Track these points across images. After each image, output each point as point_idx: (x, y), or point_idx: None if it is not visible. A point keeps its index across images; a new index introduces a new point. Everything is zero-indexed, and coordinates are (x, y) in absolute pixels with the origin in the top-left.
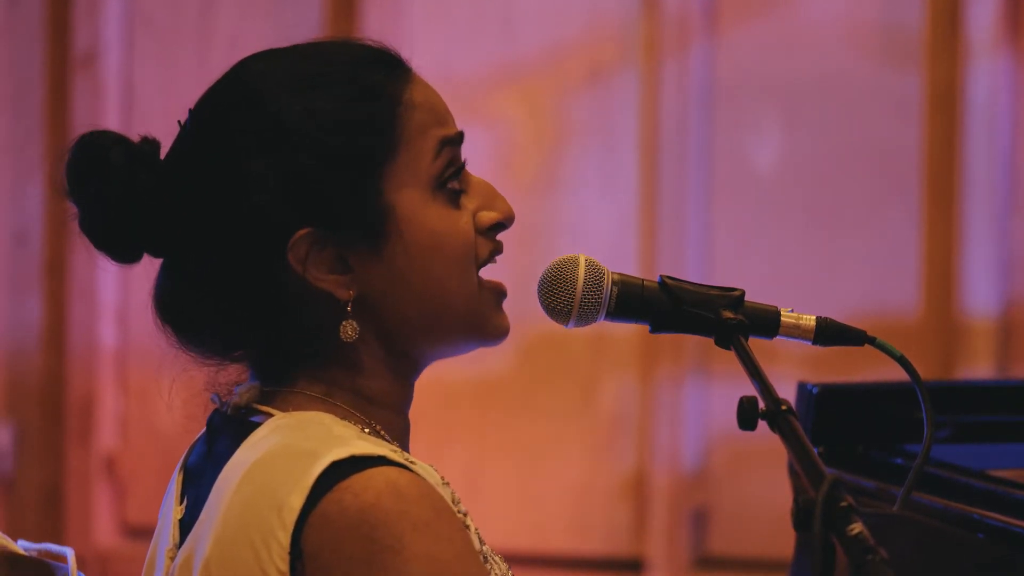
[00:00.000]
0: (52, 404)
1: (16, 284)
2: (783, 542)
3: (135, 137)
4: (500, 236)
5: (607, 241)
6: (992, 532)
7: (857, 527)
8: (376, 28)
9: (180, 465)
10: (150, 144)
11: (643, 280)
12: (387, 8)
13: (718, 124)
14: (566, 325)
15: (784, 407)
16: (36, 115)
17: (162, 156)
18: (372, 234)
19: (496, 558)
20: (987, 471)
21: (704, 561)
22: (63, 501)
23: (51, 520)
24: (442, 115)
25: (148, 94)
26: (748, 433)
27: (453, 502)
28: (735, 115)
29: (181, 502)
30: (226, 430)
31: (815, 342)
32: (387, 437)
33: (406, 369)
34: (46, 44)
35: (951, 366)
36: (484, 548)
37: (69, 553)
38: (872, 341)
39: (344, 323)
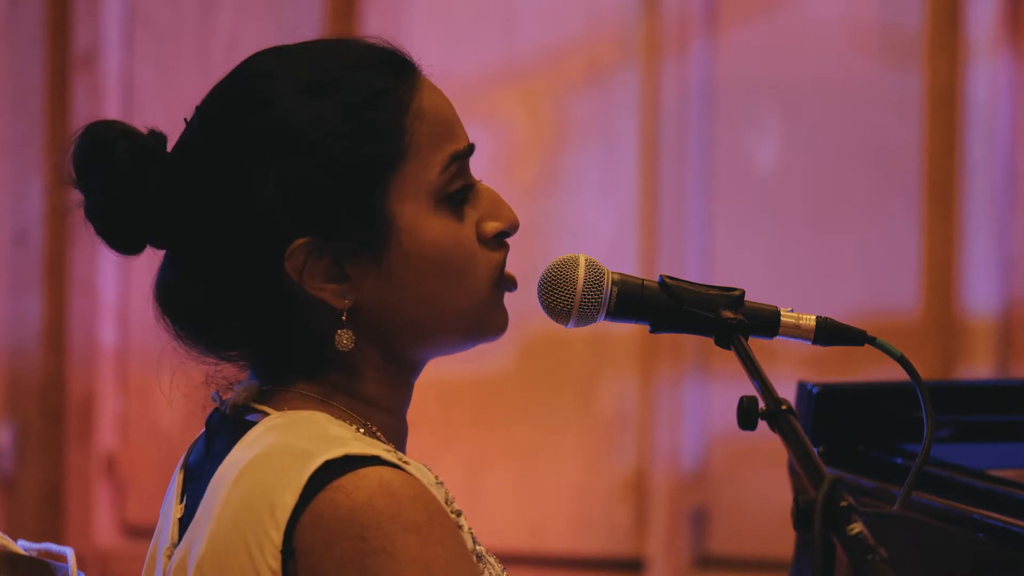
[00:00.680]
0: (52, 404)
1: (16, 284)
2: (783, 542)
3: (149, 128)
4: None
5: (607, 241)
6: (992, 532)
7: (857, 527)
8: (376, 28)
9: (181, 464)
10: (156, 137)
11: (643, 280)
12: (387, 8)
13: (718, 124)
14: (566, 325)
15: (784, 407)
16: (36, 115)
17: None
18: (372, 245)
19: (490, 558)
20: (987, 471)
21: (704, 561)
22: (63, 501)
23: (51, 520)
24: (451, 125)
25: (148, 94)
26: (748, 433)
27: (446, 502)
28: (735, 115)
29: (181, 501)
30: (223, 429)
31: (815, 342)
32: (383, 438)
33: (404, 373)
34: (46, 44)
35: (951, 366)
36: (478, 548)
37: (69, 553)
38: (872, 341)
39: (340, 332)
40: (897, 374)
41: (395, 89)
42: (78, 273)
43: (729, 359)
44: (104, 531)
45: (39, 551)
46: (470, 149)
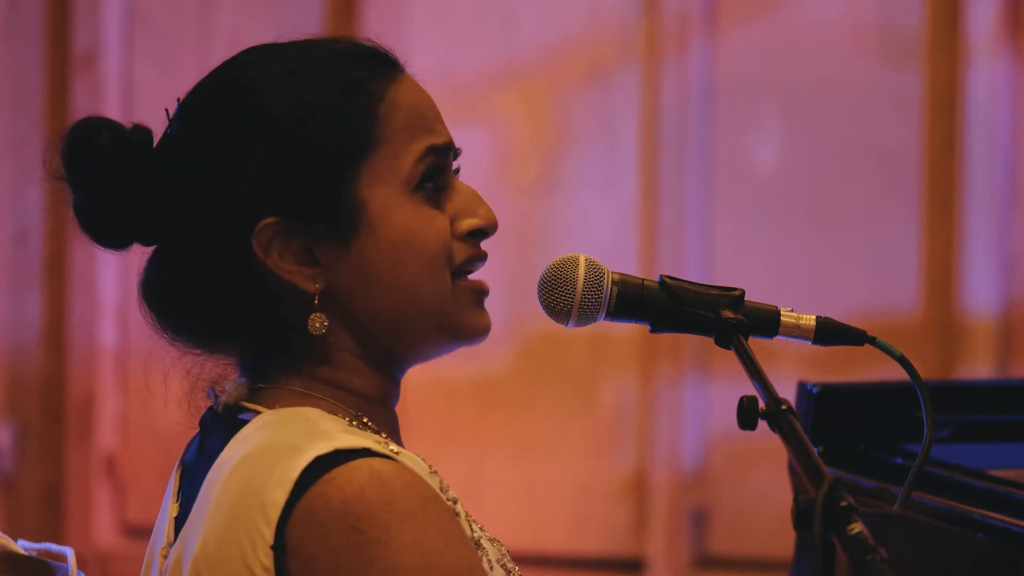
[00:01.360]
0: (52, 404)
1: (16, 284)
2: (783, 542)
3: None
4: (490, 242)
5: (607, 241)
6: (992, 532)
7: (857, 527)
8: (376, 28)
9: (178, 462)
10: (141, 132)
11: (643, 280)
12: (387, 8)
13: (718, 124)
14: (566, 325)
15: (784, 407)
16: (36, 115)
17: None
18: (341, 227)
19: (491, 543)
20: (987, 471)
21: (704, 561)
22: (63, 501)
23: (51, 520)
24: (430, 120)
25: (148, 94)
26: (748, 433)
27: (441, 489)
28: (735, 115)
29: (177, 500)
30: (216, 428)
31: (815, 342)
32: (375, 428)
33: (383, 364)
34: (46, 44)
35: (951, 366)
36: (476, 534)
37: (69, 553)
38: (872, 341)
39: (312, 316)
40: (897, 374)
41: (371, 79)
42: (78, 273)
43: (729, 359)
44: (104, 531)
45: (39, 551)
46: (449, 145)
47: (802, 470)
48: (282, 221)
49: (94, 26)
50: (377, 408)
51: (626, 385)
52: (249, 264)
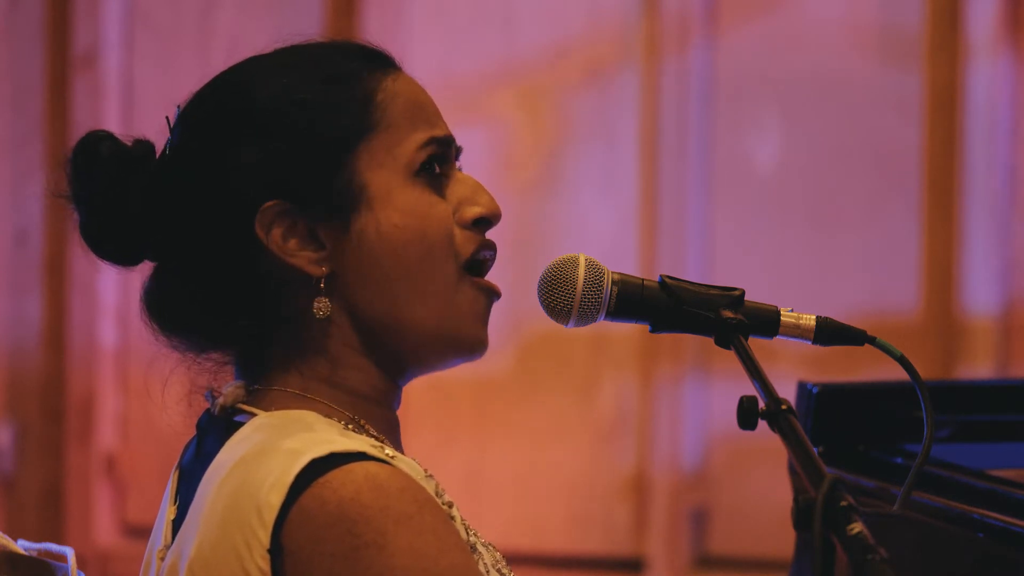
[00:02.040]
0: (52, 404)
1: (16, 284)
2: (783, 542)
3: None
4: (494, 237)
5: (607, 241)
6: (992, 532)
7: (857, 527)
8: (376, 28)
9: (176, 465)
10: (141, 145)
11: (643, 280)
12: (387, 8)
13: (718, 124)
14: (566, 325)
15: (784, 406)
16: (36, 115)
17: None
18: (341, 208)
19: (486, 548)
20: (987, 471)
21: (704, 561)
22: (63, 501)
23: (51, 520)
24: (430, 114)
25: (148, 94)
26: (748, 433)
27: (437, 494)
28: (735, 115)
29: (174, 502)
30: (213, 430)
31: (815, 342)
32: (372, 431)
33: (384, 362)
34: (46, 44)
35: (951, 366)
36: (471, 539)
37: (69, 553)
38: (872, 341)
39: (317, 300)
40: (897, 374)
41: (367, 70)
42: (78, 273)
43: (729, 359)
44: (104, 531)
45: (39, 551)
46: (451, 139)
47: (802, 470)
48: (283, 203)
49: (94, 26)
50: (376, 409)
51: (626, 385)
52: (253, 262)
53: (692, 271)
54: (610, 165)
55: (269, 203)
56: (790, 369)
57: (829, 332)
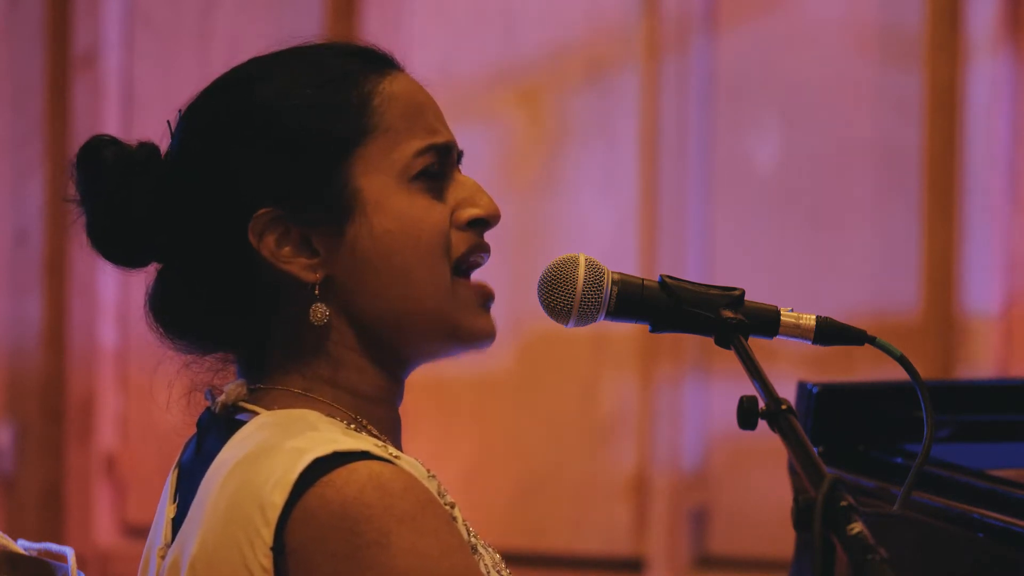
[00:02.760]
0: (52, 404)
1: (16, 284)
2: (783, 542)
3: (138, 138)
4: (489, 242)
5: (607, 241)
6: (992, 532)
7: (857, 527)
8: (376, 28)
9: (175, 463)
10: (145, 148)
11: (643, 280)
12: (387, 8)
13: (718, 123)
14: (566, 325)
15: (784, 406)
16: (36, 115)
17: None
18: (335, 214)
19: (486, 549)
20: (987, 471)
21: (704, 561)
22: (63, 501)
23: (51, 520)
24: (430, 119)
25: (148, 94)
26: (748, 433)
27: (439, 494)
28: (735, 114)
29: (174, 500)
30: (214, 429)
31: (815, 342)
32: (375, 431)
33: (385, 361)
34: (46, 44)
35: (951, 366)
36: (473, 540)
37: (69, 553)
38: (872, 340)
39: (314, 306)
40: (897, 374)
41: (365, 72)
42: (78, 273)
43: (729, 359)
44: (104, 531)
45: (39, 551)
46: (451, 145)
47: (802, 470)
48: (275, 210)
49: (94, 26)
50: (378, 408)
51: (626, 385)
52: (251, 266)
53: (692, 271)
54: (610, 165)
55: (262, 211)
56: (790, 369)
57: (829, 332)
